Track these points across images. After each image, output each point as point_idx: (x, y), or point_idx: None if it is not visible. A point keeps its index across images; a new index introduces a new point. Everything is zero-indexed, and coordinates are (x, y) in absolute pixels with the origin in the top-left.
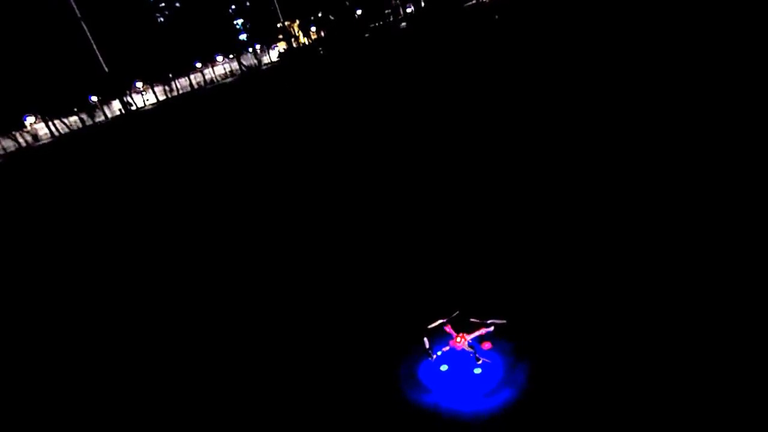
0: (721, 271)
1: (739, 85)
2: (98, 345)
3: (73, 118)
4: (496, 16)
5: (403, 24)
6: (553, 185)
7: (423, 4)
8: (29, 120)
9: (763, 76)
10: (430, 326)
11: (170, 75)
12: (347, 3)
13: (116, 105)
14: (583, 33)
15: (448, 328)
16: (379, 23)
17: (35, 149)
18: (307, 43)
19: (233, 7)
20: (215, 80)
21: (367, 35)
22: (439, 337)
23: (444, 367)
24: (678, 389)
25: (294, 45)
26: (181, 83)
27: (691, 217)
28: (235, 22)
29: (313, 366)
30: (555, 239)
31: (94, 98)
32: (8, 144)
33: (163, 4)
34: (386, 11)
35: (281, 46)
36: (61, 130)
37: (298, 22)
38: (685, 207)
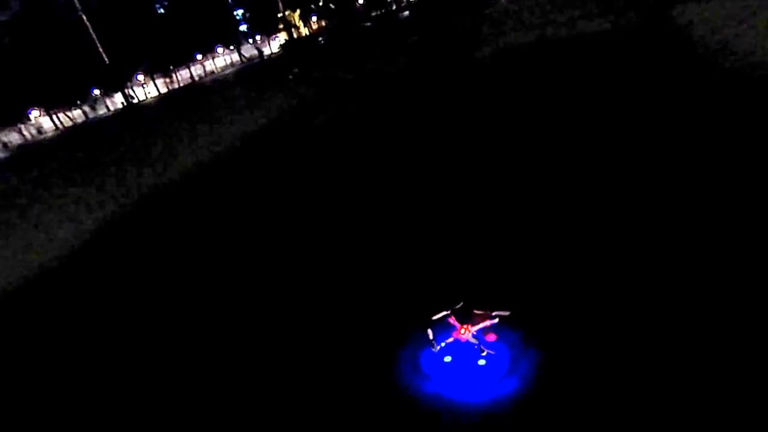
0: (726, 258)
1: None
2: (98, 346)
3: (77, 112)
4: (504, 0)
5: (405, 12)
6: (556, 176)
7: None
8: (33, 114)
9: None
10: (434, 317)
11: (171, 67)
12: None
13: (118, 98)
14: (590, 26)
15: (452, 320)
16: (380, 11)
17: (40, 142)
18: (308, 33)
19: None
20: (215, 71)
21: (368, 24)
22: (444, 328)
23: (448, 359)
24: (685, 384)
25: (294, 35)
26: (182, 75)
27: (695, 208)
28: (235, 13)
29: (316, 356)
30: (559, 230)
31: (96, 91)
32: (14, 137)
33: None
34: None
35: (282, 36)
36: (64, 123)
37: (298, 11)
38: (689, 198)
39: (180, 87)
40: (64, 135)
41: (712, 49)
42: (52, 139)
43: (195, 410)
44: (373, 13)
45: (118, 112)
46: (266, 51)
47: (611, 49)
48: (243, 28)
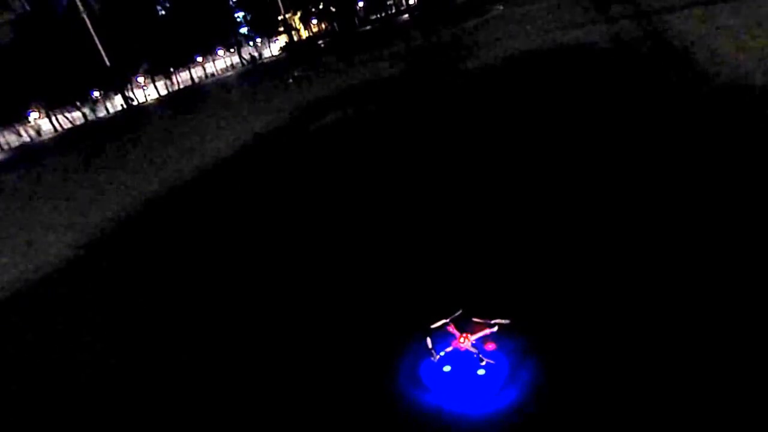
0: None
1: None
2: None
3: (76, 113)
4: (501, 7)
5: (405, 16)
6: (554, 183)
7: None
8: (33, 115)
9: None
10: (432, 326)
11: (171, 69)
12: None
13: (118, 99)
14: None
15: (450, 328)
16: (380, 14)
17: (39, 144)
18: (308, 35)
19: None
20: (216, 74)
21: (368, 27)
22: (442, 337)
23: (447, 368)
24: (693, 392)
25: (295, 38)
26: (182, 77)
27: (694, 214)
28: (235, 15)
29: (309, 366)
30: (558, 238)
31: (96, 93)
32: (12, 138)
33: None
34: (388, 2)
35: (282, 39)
36: (63, 125)
37: (299, 14)
38: (688, 205)
39: (180, 89)
40: (64, 136)
41: (704, 57)
42: (51, 141)
43: (176, 418)
44: (373, 17)
45: (117, 114)
46: (266, 53)
47: (606, 58)
48: (244, 30)
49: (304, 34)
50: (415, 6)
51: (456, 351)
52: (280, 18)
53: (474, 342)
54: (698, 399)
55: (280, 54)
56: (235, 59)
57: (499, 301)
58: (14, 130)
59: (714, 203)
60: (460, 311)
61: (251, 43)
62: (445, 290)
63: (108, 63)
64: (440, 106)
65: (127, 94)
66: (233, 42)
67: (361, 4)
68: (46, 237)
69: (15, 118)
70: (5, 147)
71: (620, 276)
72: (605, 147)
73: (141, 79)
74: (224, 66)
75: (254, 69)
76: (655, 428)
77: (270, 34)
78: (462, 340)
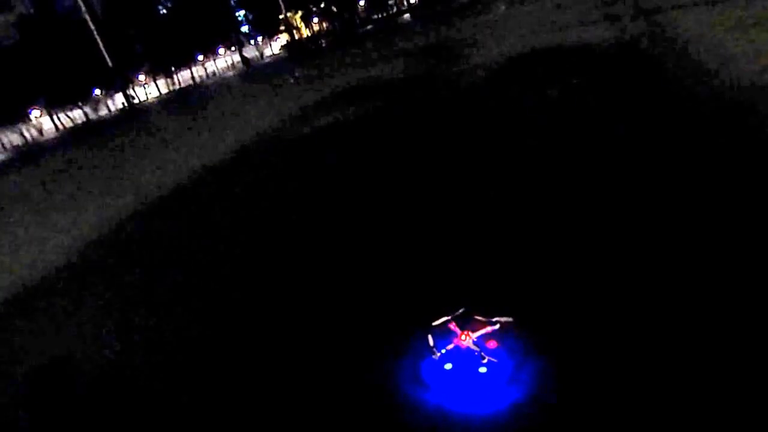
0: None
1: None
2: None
3: (77, 112)
4: (503, 7)
5: (407, 15)
6: (557, 181)
7: None
8: (34, 114)
9: None
10: (434, 324)
11: (172, 68)
12: None
13: (119, 98)
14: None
15: (452, 326)
16: (382, 14)
17: (41, 142)
18: (309, 34)
19: None
20: (217, 73)
21: (369, 27)
22: (444, 335)
23: (448, 366)
24: (699, 390)
25: (296, 37)
26: (183, 76)
27: (697, 209)
28: (237, 14)
29: (309, 365)
30: (562, 235)
31: (97, 92)
32: (14, 137)
33: None
34: (389, 2)
35: (283, 38)
36: (65, 124)
37: (300, 13)
38: (691, 201)
39: (181, 87)
40: (65, 135)
41: (708, 54)
42: (53, 139)
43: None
44: (374, 16)
45: (118, 113)
46: (267, 52)
47: (609, 56)
48: (245, 29)
49: (305, 33)
50: (416, 5)
51: (457, 349)
52: (281, 17)
53: (476, 340)
54: (707, 401)
55: (280, 53)
56: (236, 58)
57: (502, 299)
58: (16, 128)
59: (718, 199)
60: (463, 309)
61: (252, 42)
62: (447, 287)
63: (109, 62)
64: (443, 106)
65: (128, 92)
66: (234, 41)
67: (362, 3)
68: (48, 234)
69: (17, 116)
70: (7, 146)
71: (627, 274)
72: (609, 145)
73: (142, 78)
74: (225, 65)
75: (246, 70)
76: (662, 426)
77: (271, 33)
78: (463, 337)
